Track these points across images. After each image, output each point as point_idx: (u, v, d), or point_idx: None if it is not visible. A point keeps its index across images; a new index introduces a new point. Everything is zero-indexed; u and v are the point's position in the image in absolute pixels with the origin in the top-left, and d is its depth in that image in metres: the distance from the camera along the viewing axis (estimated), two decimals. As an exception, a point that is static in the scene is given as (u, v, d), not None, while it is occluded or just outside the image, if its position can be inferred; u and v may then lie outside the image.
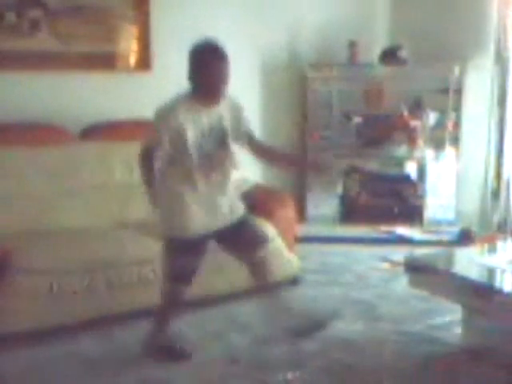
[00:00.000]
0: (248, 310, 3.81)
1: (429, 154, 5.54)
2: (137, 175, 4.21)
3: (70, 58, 4.41)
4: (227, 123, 3.13)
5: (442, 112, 5.52)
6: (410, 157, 5.63)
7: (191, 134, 3.01)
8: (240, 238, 3.23)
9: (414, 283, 3.46)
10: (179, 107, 3.03)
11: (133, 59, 4.72)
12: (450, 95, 5.48)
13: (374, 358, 3.29)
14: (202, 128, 3.04)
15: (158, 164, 3.06)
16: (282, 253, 4.14)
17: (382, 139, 5.59)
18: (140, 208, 4.21)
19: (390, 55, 5.57)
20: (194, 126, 3.02)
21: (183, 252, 3.11)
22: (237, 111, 3.19)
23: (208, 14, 4.91)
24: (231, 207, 3.20)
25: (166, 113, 3.03)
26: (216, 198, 3.14)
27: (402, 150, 5.58)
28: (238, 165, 3.21)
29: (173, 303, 3.24)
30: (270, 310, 3.51)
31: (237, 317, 3.75)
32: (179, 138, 3.00)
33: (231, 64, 3.03)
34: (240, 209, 3.24)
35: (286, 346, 3.35)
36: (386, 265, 4.72)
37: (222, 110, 3.12)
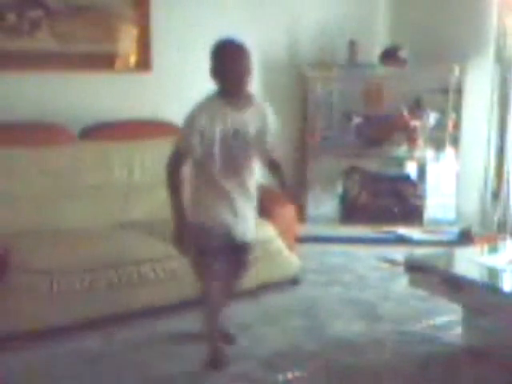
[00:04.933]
0: (248, 310, 3.82)
1: (429, 154, 5.54)
2: (137, 175, 4.30)
3: (70, 57, 4.41)
4: (252, 131, 3.09)
5: (442, 112, 5.51)
6: (409, 157, 5.62)
7: (216, 136, 2.99)
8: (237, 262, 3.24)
9: (414, 283, 3.46)
10: (205, 109, 3.01)
11: (133, 59, 4.72)
12: (450, 95, 5.47)
13: (374, 358, 3.29)
14: (227, 130, 3.01)
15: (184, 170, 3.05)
16: (282, 253, 4.14)
17: (382, 139, 5.58)
18: (140, 208, 4.23)
19: (390, 55, 5.56)
20: (219, 128, 2.99)
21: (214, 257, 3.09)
22: (265, 125, 3.14)
23: (208, 14, 4.91)
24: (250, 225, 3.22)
25: (192, 118, 3.00)
26: (241, 206, 3.14)
27: (401, 150, 5.58)
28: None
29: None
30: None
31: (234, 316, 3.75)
32: (205, 140, 2.98)
33: (250, 59, 3.06)
34: (253, 232, 3.25)
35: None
36: (386, 265, 4.73)
37: (248, 116, 3.08)
